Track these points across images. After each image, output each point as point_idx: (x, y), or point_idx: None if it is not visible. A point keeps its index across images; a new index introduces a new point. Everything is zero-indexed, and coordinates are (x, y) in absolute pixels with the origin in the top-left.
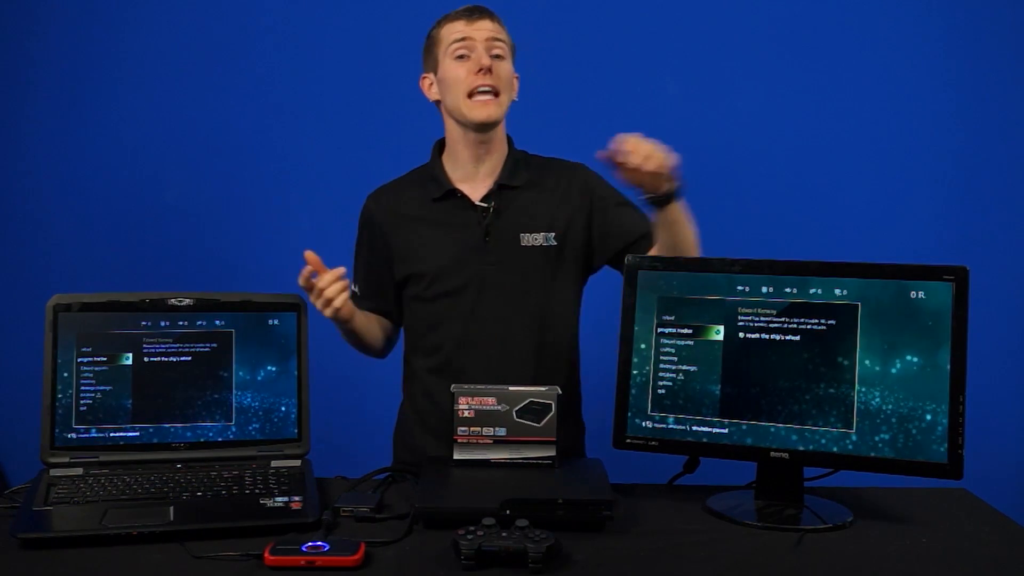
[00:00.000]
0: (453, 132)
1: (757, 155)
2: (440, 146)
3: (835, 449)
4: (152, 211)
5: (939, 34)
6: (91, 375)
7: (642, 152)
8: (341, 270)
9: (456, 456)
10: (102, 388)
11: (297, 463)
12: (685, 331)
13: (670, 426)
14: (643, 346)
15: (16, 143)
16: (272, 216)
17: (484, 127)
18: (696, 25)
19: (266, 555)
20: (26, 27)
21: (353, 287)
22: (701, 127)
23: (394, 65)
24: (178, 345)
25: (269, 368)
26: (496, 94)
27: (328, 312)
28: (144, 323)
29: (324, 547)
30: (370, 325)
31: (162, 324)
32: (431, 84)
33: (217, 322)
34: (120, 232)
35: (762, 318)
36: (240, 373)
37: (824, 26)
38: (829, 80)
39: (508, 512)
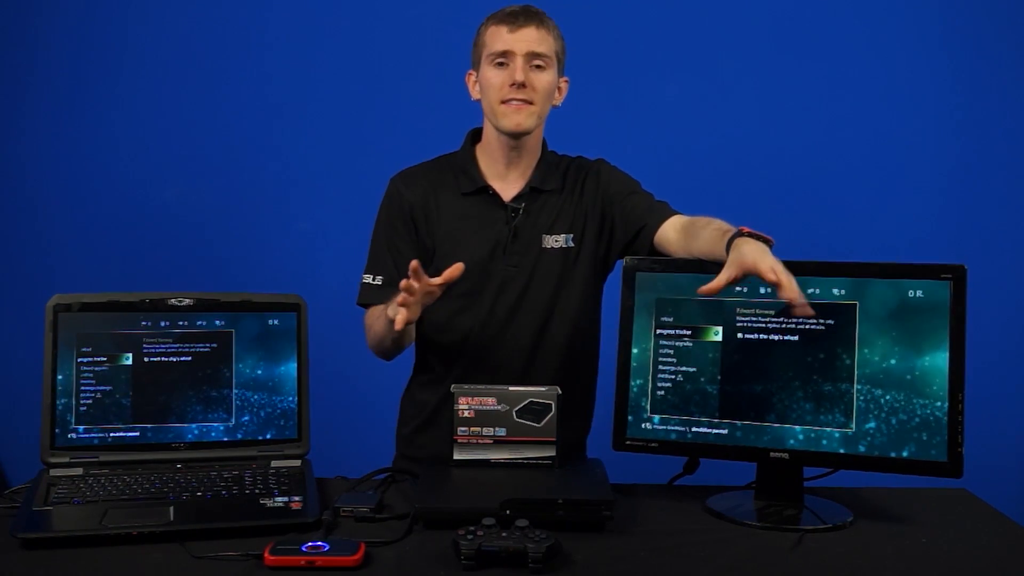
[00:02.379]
0: (489, 132)
1: (755, 155)
2: (474, 136)
3: (835, 449)
4: (152, 211)
5: (938, 33)
6: (91, 375)
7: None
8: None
9: (456, 456)
10: (102, 388)
11: (297, 463)
12: (684, 332)
13: (670, 427)
14: (642, 347)
15: (16, 143)
16: (272, 216)
17: (514, 135)
18: (696, 25)
19: (266, 555)
20: (26, 27)
21: (373, 280)
22: (700, 127)
23: (395, 65)
24: (178, 345)
25: (269, 368)
26: (529, 103)
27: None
28: (144, 323)
29: (324, 547)
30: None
31: (162, 324)
32: (475, 83)
33: (217, 322)
34: (120, 232)
35: (760, 318)
36: (240, 373)
37: (823, 26)
38: (827, 80)
39: (508, 512)
